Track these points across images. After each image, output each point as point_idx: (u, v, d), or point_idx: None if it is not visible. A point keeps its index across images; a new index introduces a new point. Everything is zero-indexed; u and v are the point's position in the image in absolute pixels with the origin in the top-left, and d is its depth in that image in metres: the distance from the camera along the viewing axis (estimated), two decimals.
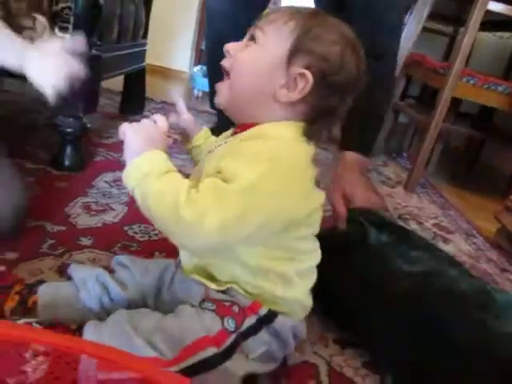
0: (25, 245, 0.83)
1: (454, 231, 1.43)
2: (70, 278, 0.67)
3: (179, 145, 1.37)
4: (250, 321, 0.57)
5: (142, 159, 0.53)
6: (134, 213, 1.05)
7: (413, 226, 1.38)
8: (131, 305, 0.64)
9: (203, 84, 2.60)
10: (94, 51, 1.12)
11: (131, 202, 1.10)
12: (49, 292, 0.64)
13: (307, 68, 0.56)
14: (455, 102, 1.72)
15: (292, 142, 0.57)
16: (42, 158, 1.23)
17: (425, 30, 2.12)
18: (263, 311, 0.58)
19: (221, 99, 0.61)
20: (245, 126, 0.60)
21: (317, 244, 0.64)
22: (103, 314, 0.61)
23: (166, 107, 2.11)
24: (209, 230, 0.49)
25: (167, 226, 0.52)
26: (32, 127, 1.48)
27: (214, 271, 0.60)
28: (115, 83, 1.82)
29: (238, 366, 0.55)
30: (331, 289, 0.76)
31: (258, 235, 0.54)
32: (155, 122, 0.59)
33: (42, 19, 1.03)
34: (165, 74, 3.11)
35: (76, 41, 0.76)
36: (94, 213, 1.01)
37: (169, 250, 0.84)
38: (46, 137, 1.39)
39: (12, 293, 0.62)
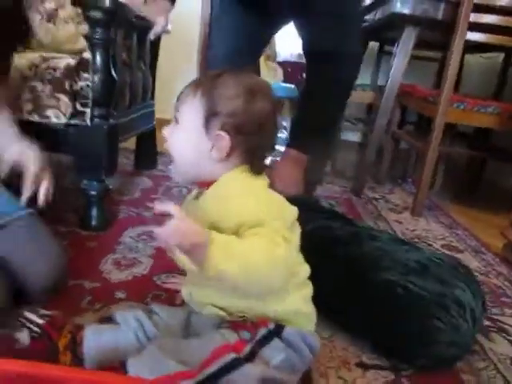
0: (67, 302, 0.92)
1: (463, 250, 1.49)
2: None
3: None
4: (262, 331, 0.65)
5: (216, 247, 0.58)
6: (161, 263, 1.14)
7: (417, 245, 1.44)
8: None
9: None
10: (111, 121, 1.25)
11: (157, 254, 1.19)
12: (95, 327, 0.74)
13: (222, 128, 0.65)
14: (450, 125, 1.82)
15: (248, 179, 0.67)
16: (71, 221, 1.34)
17: (413, 57, 2.24)
18: (271, 325, 0.66)
19: (176, 177, 0.73)
20: (207, 183, 0.69)
21: (300, 255, 0.72)
22: (141, 348, 0.70)
23: None
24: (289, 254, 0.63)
25: (270, 270, 0.61)
26: (59, 192, 1.60)
27: (222, 305, 0.69)
28: (129, 141, 1.95)
29: (258, 369, 0.61)
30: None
31: None
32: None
33: (65, 98, 1.16)
34: None
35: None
36: (123, 267, 1.10)
37: None
38: (73, 200, 1.51)
39: (64, 332, 0.71)
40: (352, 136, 3.27)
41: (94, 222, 1.30)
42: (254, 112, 0.65)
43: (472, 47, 1.94)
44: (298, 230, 0.70)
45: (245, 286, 0.62)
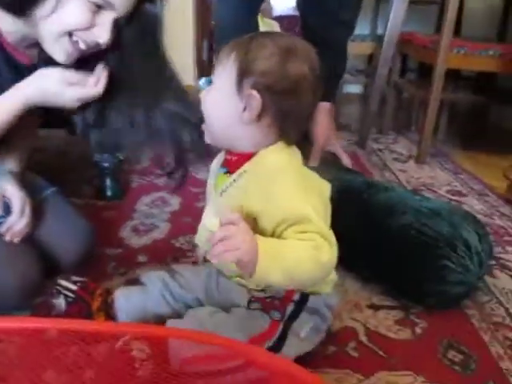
0: (94, 270, 0.98)
1: (467, 193, 1.53)
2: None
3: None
4: (290, 308, 0.71)
5: (266, 259, 0.59)
6: (177, 227, 1.20)
7: (427, 196, 1.48)
8: (188, 301, 0.78)
9: None
10: None
11: (172, 218, 1.25)
12: (124, 289, 0.81)
13: (253, 87, 0.63)
14: (453, 71, 1.81)
15: (287, 162, 0.67)
16: (86, 193, 1.39)
17: (412, 2, 2.19)
18: (296, 297, 0.72)
19: (207, 139, 0.71)
20: (241, 158, 0.68)
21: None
22: (166, 309, 0.77)
23: None
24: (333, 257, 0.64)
25: (315, 276, 0.65)
26: (68, 167, 1.64)
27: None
28: None
29: (291, 349, 0.69)
30: None
31: None
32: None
33: None
34: None
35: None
36: (142, 233, 1.17)
37: None
38: (85, 172, 1.55)
39: (96, 295, 0.79)
40: (354, 88, 3.24)
41: (109, 193, 1.35)
42: (288, 72, 0.63)
43: None
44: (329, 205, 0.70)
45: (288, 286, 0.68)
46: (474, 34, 2.47)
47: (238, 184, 0.68)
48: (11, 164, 0.90)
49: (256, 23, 1.82)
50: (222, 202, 0.71)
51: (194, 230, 1.18)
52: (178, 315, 0.74)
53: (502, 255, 1.12)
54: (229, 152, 0.71)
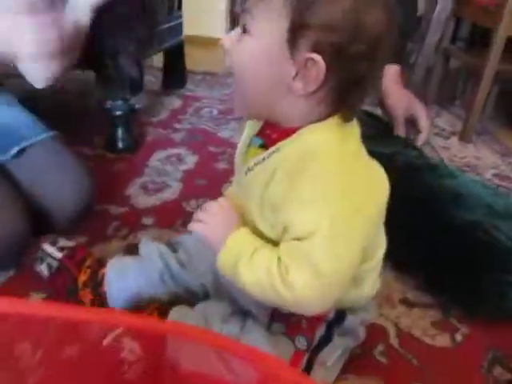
0: (92, 229, 0.87)
1: None
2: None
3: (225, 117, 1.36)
4: (320, 331, 0.57)
5: (227, 253, 0.51)
6: (190, 188, 1.08)
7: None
8: (190, 285, 0.66)
9: None
10: (133, 33, 1.13)
11: (186, 178, 1.13)
12: (116, 264, 0.68)
13: (315, 49, 0.44)
14: (510, 41, 1.60)
15: (332, 145, 0.49)
16: (97, 143, 1.28)
17: None
18: (330, 315, 0.57)
19: (237, 110, 0.53)
20: (279, 134, 0.51)
21: (383, 229, 0.58)
22: (164, 292, 0.65)
23: (208, 78, 2.10)
24: (316, 305, 0.49)
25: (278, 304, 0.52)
26: (84, 112, 1.53)
27: None
28: (155, 59, 1.83)
29: (316, 377, 0.56)
30: None
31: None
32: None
33: None
34: (201, 42, 3.07)
35: None
36: (152, 192, 1.05)
37: None
38: (98, 121, 1.43)
39: (84, 267, 0.66)
40: None
41: (120, 144, 1.23)
42: (364, 25, 0.43)
43: None
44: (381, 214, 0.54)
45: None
46: None
47: (267, 164, 0.51)
48: None
49: None
50: (246, 182, 0.55)
51: (208, 193, 1.07)
52: (177, 299, 0.63)
53: None
54: (268, 124, 0.54)
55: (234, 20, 3.17)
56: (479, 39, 2.23)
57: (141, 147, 1.28)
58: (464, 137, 1.64)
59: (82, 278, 0.65)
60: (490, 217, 0.77)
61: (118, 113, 1.19)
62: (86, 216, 0.86)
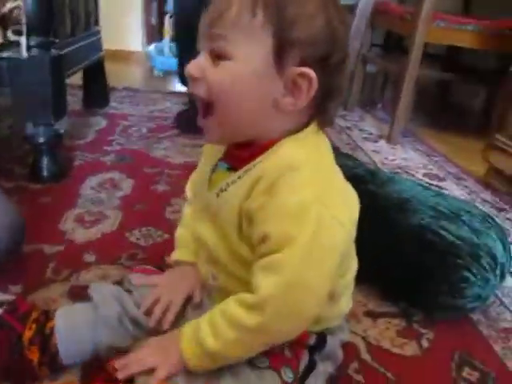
0: (27, 274, 0.78)
1: (445, 178, 1.44)
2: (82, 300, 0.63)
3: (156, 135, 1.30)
4: (305, 359, 0.55)
5: (190, 352, 0.50)
6: (130, 216, 1.01)
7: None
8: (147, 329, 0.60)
9: (163, 63, 2.51)
10: (53, 51, 1.04)
11: (124, 205, 1.05)
12: (67, 315, 0.60)
13: (302, 63, 0.45)
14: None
15: (317, 166, 0.49)
16: (17, 173, 1.16)
17: None
18: (311, 340, 0.56)
19: (212, 138, 0.52)
20: (252, 152, 0.50)
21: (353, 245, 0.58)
22: (125, 338, 0.59)
23: (131, 94, 2.01)
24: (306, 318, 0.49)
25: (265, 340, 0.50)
26: None
27: None
28: (73, 77, 1.72)
29: None
30: None
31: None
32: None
33: None
34: (119, 57, 2.96)
35: None
36: (88, 224, 0.96)
37: None
38: (15, 148, 1.31)
39: (29, 321, 0.58)
40: None
41: (45, 173, 1.13)
42: (338, 36, 0.46)
43: None
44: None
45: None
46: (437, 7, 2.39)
47: (245, 180, 0.49)
48: None
49: None
50: (218, 204, 0.52)
51: (150, 219, 1.01)
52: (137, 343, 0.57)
53: None
54: (234, 146, 0.53)
55: (151, 34, 3.08)
56: (394, 45, 2.37)
57: (69, 175, 1.18)
58: (391, 139, 1.71)
59: (28, 334, 0.56)
60: (436, 219, 0.79)
61: (42, 139, 1.09)
62: (16, 258, 0.77)
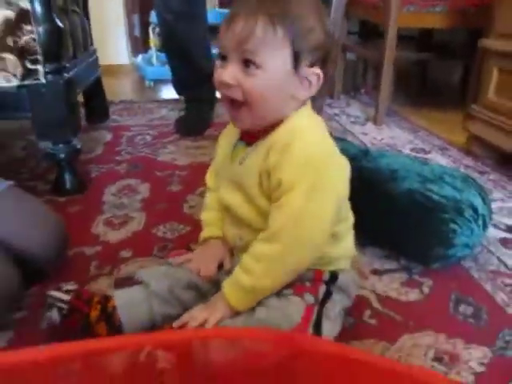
0: (74, 273, 0.89)
1: (430, 150, 1.57)
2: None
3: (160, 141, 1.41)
4: (322, 289, 0.67)
5: (241, 299, 0.64)
6: (154, 215, 1.12)
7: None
8: (202, 290, 0.72)
9: (153, 73, 2.59)
10: (65, 74, 1.14)
11: (146, 207, 1.16)
12: (123, 294, 0.71)
13: (312, 64, 0.61)
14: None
15: (319, 130, 0.65)
16: (41, 189, 1.26)
17: None
18: (326, 276, 0.68)
19: (244, 125, 0.65)
20: (265, 128, 0.64)
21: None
22: (176, 307, 0.70)
23: (128, 107, 2.12)
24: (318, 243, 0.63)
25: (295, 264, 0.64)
26: (13, 161, 1.49)
27: None
28: None
29: (327, 334, 0.65)
30: None
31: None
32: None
33: (10, 57, 1.04)
34: (109, 71, 3.05)
35: None
36: (117, 227, 1.07)
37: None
38: (33, 167, 1.41)
39: (93, 303, 0.70)
40: None
41: (68, 186, 1.23)
42: (331, 37, 0.63)
43: None
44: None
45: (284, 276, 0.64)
46: None
47: (263, 145, 0.64)
48: None
49: None
50: (243, 170, 0.66)
51: (171, 216, 1.12)
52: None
53: None
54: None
55: (135, 46, 3.18)
56: (370, 32, 2.48)
57: (89, 186, 1.29)
58: (377, 121, 1.83)
59: (94, 314, 0.68)
60: (422, 183, 0.91)
61: (62, 155, 1.19)
62: (63, 260, 0.88)
